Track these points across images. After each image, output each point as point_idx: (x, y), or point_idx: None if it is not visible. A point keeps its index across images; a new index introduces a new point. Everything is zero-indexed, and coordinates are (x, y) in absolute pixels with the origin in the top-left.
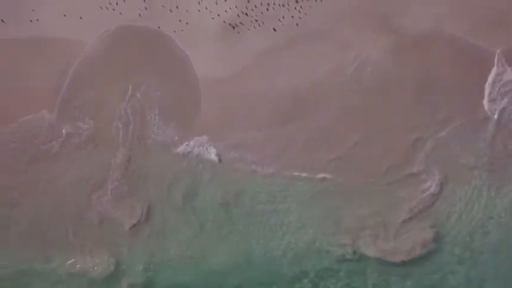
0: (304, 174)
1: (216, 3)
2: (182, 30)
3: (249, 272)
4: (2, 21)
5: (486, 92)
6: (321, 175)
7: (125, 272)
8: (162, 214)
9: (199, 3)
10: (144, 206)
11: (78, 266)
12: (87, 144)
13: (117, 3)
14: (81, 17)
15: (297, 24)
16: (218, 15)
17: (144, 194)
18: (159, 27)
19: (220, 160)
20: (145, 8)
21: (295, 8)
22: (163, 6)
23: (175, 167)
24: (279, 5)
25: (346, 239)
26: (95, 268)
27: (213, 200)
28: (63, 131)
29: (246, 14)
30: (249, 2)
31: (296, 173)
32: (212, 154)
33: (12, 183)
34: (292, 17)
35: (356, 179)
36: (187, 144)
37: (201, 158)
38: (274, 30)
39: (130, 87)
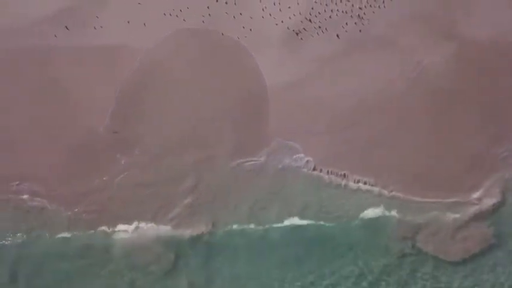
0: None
1: (280, 10)
2: (245, 37)
3: None
4: (66, 28)
5: None
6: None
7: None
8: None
9: (263, 10)
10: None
11: None
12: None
13: (181, 10)
14: (144, 24)
15: (360, 31)
16: (282, 21)
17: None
18: (222, 33)
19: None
20: (209, 14)
21: (358, 15)
22: (226, 13)
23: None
24: (342, 11)
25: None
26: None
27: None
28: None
29: (310, 21)
30: (312, 8)
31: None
32: (283, 163)
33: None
34: (355, 23)
35: (416, 185)
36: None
37: (271, 167)
38: (338, 36)
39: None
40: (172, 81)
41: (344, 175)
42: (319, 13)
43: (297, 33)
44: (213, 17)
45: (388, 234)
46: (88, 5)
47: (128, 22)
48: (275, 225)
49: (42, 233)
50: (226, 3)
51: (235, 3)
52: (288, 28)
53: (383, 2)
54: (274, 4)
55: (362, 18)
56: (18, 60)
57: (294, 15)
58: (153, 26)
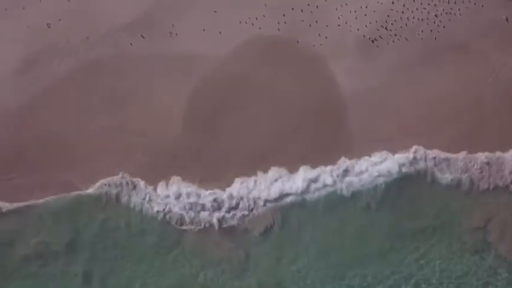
0: None
1: (356, 18)
2: (321, 45)
3: None
4: (142, 36)
5: None
6: None
7: None
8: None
9: (339, 18)
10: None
11: None
12: None
13: (256, 18)
14: (220, 32)
15: (435, 38)
16: (358, 29)
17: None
18: (298, 41)
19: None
20: (285, 22)
21: (434, 22)
22: (302, 20)
23: None
24: (418, 19)
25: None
26: None
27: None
28: None
29: (386, 28)
30: (388, 16)
31: None
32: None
33: None
34: (431, 30)
35: None
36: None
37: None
38: (412, 43)
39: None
40: (248, 89)
41: None
42: (395, 20)
43: (373, 41)
44: (289, 24)
45: None
46: (164, 13)
47: (204, 30)
48: None
49: None
50: (302, 11)
51: (311, 12)
52: (364, 36)
53: (458, 9)
54: (350, 12)
55: (438, 25)
56: (95, 69)
57: (370, 23)
58: (228, 34)
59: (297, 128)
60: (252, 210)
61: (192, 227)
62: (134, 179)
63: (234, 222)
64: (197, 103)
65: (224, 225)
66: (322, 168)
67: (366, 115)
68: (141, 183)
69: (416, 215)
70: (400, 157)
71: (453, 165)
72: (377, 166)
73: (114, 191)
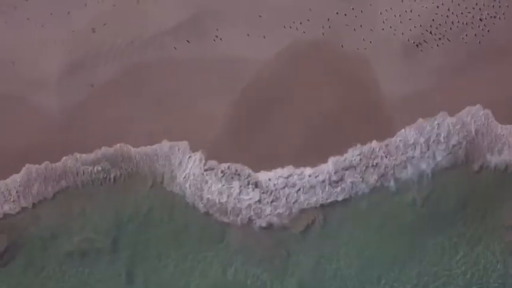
0: None
1: (401, 22)
2: (365, 49)
3: None
4: (187, 41)
5: None
6: None
7: None
8: None
9: (383, 22)
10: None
11: None
12: None
13: (301, 23)
14: (264, 37)
15: (479, 42)
16: (402, 33)
17: None
18: (342, 45)
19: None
20: (329, 27)
21: (478, 26)
22: (347, 25)
23: None
24: (462, 23)
25: None
26: None
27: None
28: None
29: (430, 32)
30: (433, 20)
31: None
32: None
33: None
34: (475, 34)
35: None
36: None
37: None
38: (456, 47)
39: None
40: (291, 93)
41: None
42: (439, 25)
43: (417, 45)
44: (333, 29)
45: None
46: (208, 18)
47: (248, 35)
48: None
49: None
50: (345, 15)
51: (355, 16)
52: (408, 40)
53: (503, 13)
54: (395, 16)
55: (482, 29)
56: (139, 73)
57: (415, 27)
58: (272, 39)
59: (340, 131)
60: (292, 207)
61: (235, 219)
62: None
63: (274, 219)
64: (241, 107)
65: (264, 223)
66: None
67: (409, 118)
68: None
69: (460, 211)
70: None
71: None
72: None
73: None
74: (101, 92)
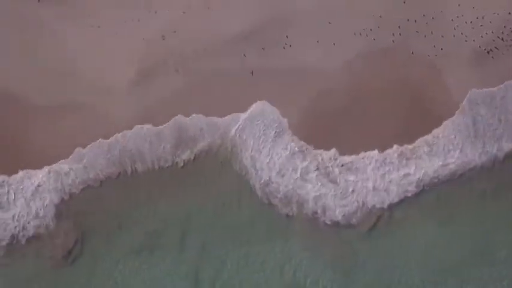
0: None
1: (473, 28)
2: (436, 56)
3: None
4: (263, 49)
5: None
6: None
7: None
8: None
9: (454, 28)
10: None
11: None
12: None
13: (371, 29)
14: (334, 43)
15: None
16: (473, 40)
17: None
18: (412, 52)
19: None
20: (400, 34)
21: None
22: (417, 31)
23: None
24: None
25: None
26: None
27: None
28: None
29: (502, 39)
30: (505, 27)
31: None
32: None
33: None
34: None
35: None
36: None
37: None
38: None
39: None
40: (361, 100)
41: None
42: (511, 31)
43: (488, 52)
44: (404, 36)
45: None
46: (278, 25)
47: (318, 41)
48: None
49: None
50: (416, 22)
51: (426, 23)
52: (479, 47)
53: None
54: (466, 23)
55: None
56: (208, 81)
57: (486, 33)
58: (342, 46)
59: (410, 138)
60: (361, 205)
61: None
62: None
63: (339, 216)
64: (311, 114)
65: (329, 220)
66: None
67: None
68: None
69: None
70: None
71: None
72: None
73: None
74: (170, 100)
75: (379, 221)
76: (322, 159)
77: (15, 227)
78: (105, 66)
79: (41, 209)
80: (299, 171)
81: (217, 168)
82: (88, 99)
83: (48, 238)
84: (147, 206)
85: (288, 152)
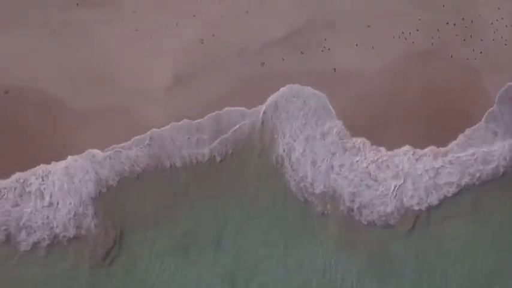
0: None
1: None
2: (475, 59)
3: None
4: (302, 52)
5: None
6: None
7: None
8: None
9: (494, 32)
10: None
11: None
12: None
13: (410, 33)
14: (373, 47)
15: None
16: None
17: None
18: (451, 56)
19: None
20: (439, 37)
21: None
22: (456, 35)
23: None
24: None
25: None
26: None
27: None
28: None
29: None
30: None
31: None
32: None
33: None
34: None
35: None
36: None
37: None
38: None
39: None
40: (400, 104)
41: None
42: None
43: None
44: (443, 39)
45: None
46: (316, 28)
47: (356, 45)
48: None
49: None
50: (455, 25)
51: (465, 26)
52: None
53: None
54: (506, 26)
55: None
56: (244, 85)
57: None
58: (381, 49)
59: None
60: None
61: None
62: None
63: (376, 216)
64: (349, 117)
65: (365, 220)
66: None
67: None
68: None
69: None
70: None
71: None
72: None
73: None
74: (208, 103)
75: (417, 222)
76: (362, 157)
77: (57, 226)
78: (142, 70)
79: (80, 205)
80: (336, 167)
81: (254, 160)
82: (125, 102)
83: (89, 237)
84: (185, 202)
85: (325, 147)
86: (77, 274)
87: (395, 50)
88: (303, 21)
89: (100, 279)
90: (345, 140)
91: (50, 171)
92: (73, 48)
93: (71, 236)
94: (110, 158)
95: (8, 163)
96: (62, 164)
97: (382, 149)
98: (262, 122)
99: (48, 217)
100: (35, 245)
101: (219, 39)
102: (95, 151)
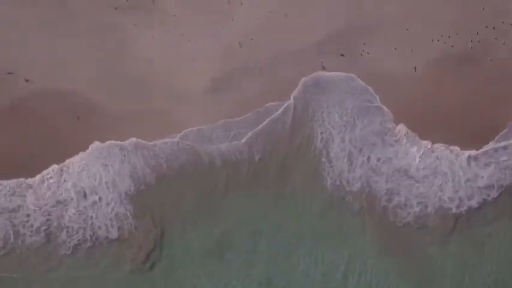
0: None
1: None
2: None
3: None
4: (342, 55)
5: None
6: None
7: None
8: None
9: None
10: None
11: None
12: None
13: (449, 36)
14: (412, 50)
15: None
16: None
17: None
18: (490, 59)
19: None
20: (478, 40)
21: None
22: (495, 38)
23: None
24: None
25: None
26: None
27: None
28: None
29: None
30: None
31: None
32: None
33: None
34: None
35: None
36: None
37: None
38: None
39: None
40: (440, 108)
41: None
42: None
43: None
44: (482, 42)
45: None
46: (355, 32)
47: (395, 48)
48: None
49: None
50: (494, 28)
51: (505, 30)
52: None
53: None
54: None
55: None
56: (281, 89)
57: None
58: (420, 52)
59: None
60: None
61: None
62: None
63: (413, 217)
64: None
65: (402, 221)
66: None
67: None
68: None
69: None
70: None
71: None
72: None
73: None
74: (247, 106)
75: (457, 225)
76: (402, 153)
77: (99, 227)
78: (181, 73)
79: (120, 204)
80: (374, 162)
81: (292, 157)
82: (164, 106)
83: (131, 239)
84: (223, 201)
85: (364, 140)
86: (118, 278)
87: (434, 53)
88: (342, 25)
89: (141, 284)
90: (386, 135)
91: (87, 165)
92: (112, 52)
93: (113, 238)
94: (148, 155)
95: (45, 166)
96: (100, 160)
97: (423, 148)
98: (300, 117)
99: (90, 217)
100: (76, 247)
101: (257, 42)
102: (133, 147)
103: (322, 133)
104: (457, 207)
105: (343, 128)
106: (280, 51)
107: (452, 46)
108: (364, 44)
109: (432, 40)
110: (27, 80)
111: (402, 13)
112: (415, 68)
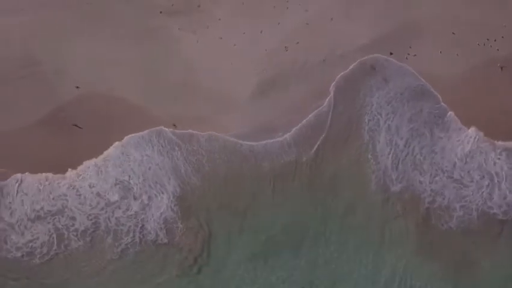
0: None
1: None
2: None
3: None
4: (391, 53)
5: None
6: None
7: None
8: None
9: None
10: None
11: None
12: None
13: (495, 40)
14: (457, 54)
15: None
16: None
17: None
18: None
19: None
20: None
21: None
22: None
23: None
24: None
25: None
26: None
27: None
28: None
29: None
30: None
31: None
32: None
33: None
34: None
35: None
36: None
37: None
38: None
39: None
40: (486, 111)
41: None
42: None
43: None
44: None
45: None
46: (401, 35)
47: (440, 52)
48: None
49: None
50: None
51: None
52: None
53: None
54: None
55: None
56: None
57: None
58: (465, 56)
59: None
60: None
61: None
62: None
63: (457, 221)
64: None
65: (445, 224)
66: None
67: None
68: None
69: None
70: None
71: None
72: None
73: None
74: (292, 111)
75: (503, 231)
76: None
77: (150, 232)
78: (226, 78)
79: (167, 206)
80: (419, 163)
81: (337, 158)
82: (209, 110)
83: (179, 243)
84: (269, 203)
85: (410, 137)
86: (163, 282)
87: (480, 57)
88: (388, 29)
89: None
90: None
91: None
92: (156, 56)
93: (161, 241)
94: (192, 155)
95: None
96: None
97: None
98: (346, 114)
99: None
100: (124, 250)
101: (303, 46)
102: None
103: (369, 121)
104: (504, 213)
105: (391, 115)
106: (326, 55)
107: (498, 50)
108: (410, 47)
109: (478, 44)
110: (77, 87)
111: (448, 16)
112: (501, 68)
